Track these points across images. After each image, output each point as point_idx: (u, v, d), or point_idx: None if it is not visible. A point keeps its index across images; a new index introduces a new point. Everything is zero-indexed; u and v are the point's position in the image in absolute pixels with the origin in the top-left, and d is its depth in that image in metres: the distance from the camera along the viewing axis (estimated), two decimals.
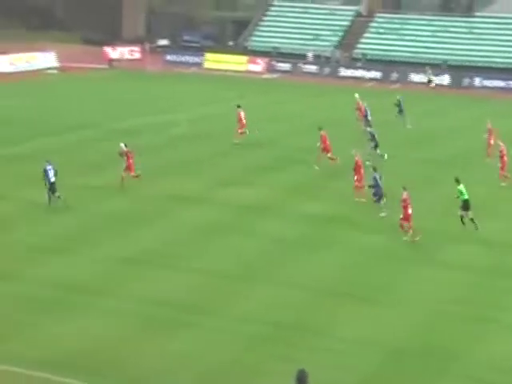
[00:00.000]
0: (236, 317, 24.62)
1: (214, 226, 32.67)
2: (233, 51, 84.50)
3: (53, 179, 33.66)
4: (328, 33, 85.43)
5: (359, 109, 51.19)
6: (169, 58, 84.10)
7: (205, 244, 30.71)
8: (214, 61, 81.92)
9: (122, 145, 37.30)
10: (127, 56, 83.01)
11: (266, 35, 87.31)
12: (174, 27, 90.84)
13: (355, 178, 36.04)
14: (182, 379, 21.05)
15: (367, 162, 36.37)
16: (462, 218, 32.36)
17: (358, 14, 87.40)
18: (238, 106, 47.15)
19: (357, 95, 52.32)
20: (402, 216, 31.12)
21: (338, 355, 22.56)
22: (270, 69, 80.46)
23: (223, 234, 31.80)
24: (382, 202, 33.88)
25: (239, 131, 46.56)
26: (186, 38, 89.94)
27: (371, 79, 76.28)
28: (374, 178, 33.85)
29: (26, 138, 46.62)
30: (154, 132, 49.65)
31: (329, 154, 41.39)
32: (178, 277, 27.43)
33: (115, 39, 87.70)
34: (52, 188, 33.64)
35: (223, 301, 25.70)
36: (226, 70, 78.61)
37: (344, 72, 78.66)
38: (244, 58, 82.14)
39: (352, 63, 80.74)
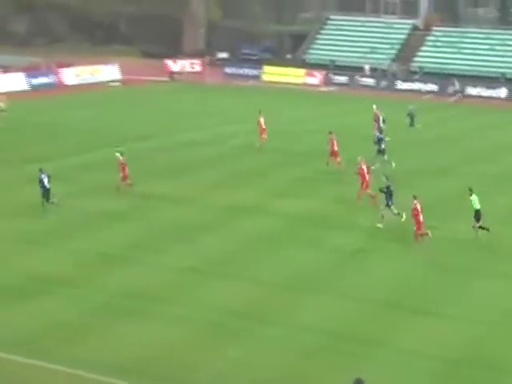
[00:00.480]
0: (294, 326, 24.78)
1: (272, 236, 32.94)
2: (291, 64, 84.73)
3: (48, 186, 34.17)
4: (385, 46, 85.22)
5: (376, 118, 51.65)
6: (228, 70, 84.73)
7: (263, 254, 30.97)
8: (272, 73, 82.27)
9: (118, 154, 37.77)
10: (188, 69, 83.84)
11: (323, 48, 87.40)
12: (234, 40, 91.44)
13: (363, 184, 36.59)
14: None
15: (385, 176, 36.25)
16: (474, 227, 32.73)
17: (415, 28, 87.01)
18: (259, 112, 48.44)
19: (375, 106, 52.76)
20: (415, 224, 31.73)
21: (395, 366, 22.56)
22: (327, 82, 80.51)
23: (281, 244, 32.05)
24: (388, 209, 34.07)
25: (262, 136, 47.89)
26: (244, 51, 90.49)
27: (428, 92, 75.90)
28: (387, 187, 34.02)
29: (91, 148, 47.54)
30: (214, 143, 50.14)
31: (337, 159, 42.78)
32: (237, 286, 27.74)
33: (176, 53, 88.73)
34: (47, 195, 34.16)
35: (281, 310, 25.90)
36: (283, 83, 78.88)
37: (401, 85, 78.35)
38: (302, 71, 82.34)
39: (409, 76, 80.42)
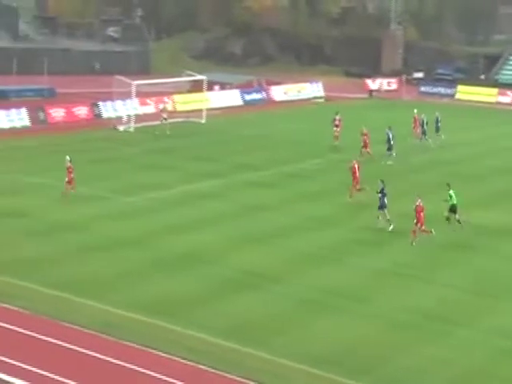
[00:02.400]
0: (484, 329, 24.33)
1: (460, 244, 32.48)
2: (483, 84, 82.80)
3: None
4: None
5: (415, 122, 53.08)
6: (423, 89, 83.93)
7: (454, 260, 30.60)
8: (466, 92, 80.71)
9: (68, 158, 37.36)
10: (385, 87, 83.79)
11: None
12: (428, 60, 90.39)
13: (353, 182, 37.73)
14: (433, 381, 21.12)
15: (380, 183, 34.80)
16: (447, 218, 33.27)
17: None
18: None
19: (415, 110, 53.76)
20: (415, 221, 31.42)
21: None
22: None
23: (471, 253, 31.58)
24: (382, 212, 33.70)
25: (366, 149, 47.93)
26: (439, 71, 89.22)
27: None
28: (381, 190, 33.75)
29: (298, 158, 48.42)
30: (412, 154, 49.79)
31: (367, 149, 46.23)
32: (429, 289, 27.54)
33: (375, 72, 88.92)
34: None
35: (472, 314, 25.49)
36: (475, 101, 77.19)
37: None
38: (494, 91, 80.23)
39: None
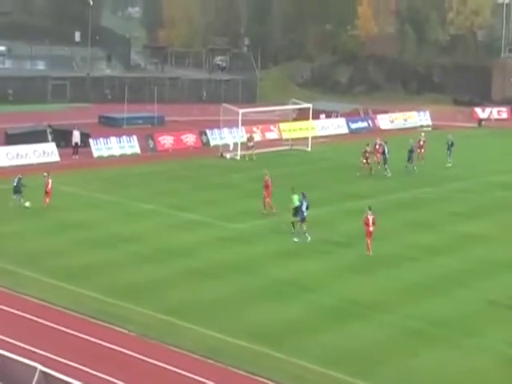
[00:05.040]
0: None
1: None
2: None
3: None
4: None
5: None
6: None
7: None
8: None
9: (45, 174, 39.74)
10: (495, 116, 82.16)
11: None
12: None
13: (264, 194, 39.35)
14: None
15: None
16: (293, 223, 35.28)
17: None
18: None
19: (378, 140, 53.64)
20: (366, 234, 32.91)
21: None
22: None
23: None
24: (300, 226, 34.91)
25: None
26: None
27: None
28: (301, 203, 34.86)
29: (406, 187, 47.98)
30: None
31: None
32: None
33: (485, 100, 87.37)
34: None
35: None
36: None
37: None
38: None
39: None
